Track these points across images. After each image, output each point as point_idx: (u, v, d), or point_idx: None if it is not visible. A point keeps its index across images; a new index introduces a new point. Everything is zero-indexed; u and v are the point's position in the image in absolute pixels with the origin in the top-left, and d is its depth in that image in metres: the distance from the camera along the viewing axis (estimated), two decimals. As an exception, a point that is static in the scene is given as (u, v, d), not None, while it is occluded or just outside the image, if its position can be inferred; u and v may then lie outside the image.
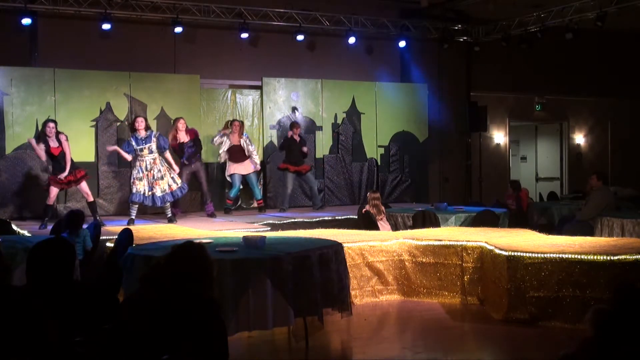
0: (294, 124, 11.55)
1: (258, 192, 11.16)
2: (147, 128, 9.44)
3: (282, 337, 5.57)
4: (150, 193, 9.26)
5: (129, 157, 9.39)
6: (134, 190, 9.25)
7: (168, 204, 9.44)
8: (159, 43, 11.95)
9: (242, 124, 11.12)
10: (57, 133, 9.00)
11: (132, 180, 9.37)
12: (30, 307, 2.89)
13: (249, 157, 10.85)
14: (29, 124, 10.61)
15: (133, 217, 9.35)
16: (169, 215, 9.47)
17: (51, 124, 8.99)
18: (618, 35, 15.13)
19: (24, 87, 10.67)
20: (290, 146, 11.33)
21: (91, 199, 9.35)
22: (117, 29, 11.37)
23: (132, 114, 11.20)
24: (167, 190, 9.32)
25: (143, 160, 9.28)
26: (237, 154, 10.85)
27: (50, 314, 2.93)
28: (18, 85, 10.64)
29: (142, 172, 9.27)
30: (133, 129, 9.48)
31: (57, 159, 9.03)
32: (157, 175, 9.28)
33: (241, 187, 11.08)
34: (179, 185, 9.47)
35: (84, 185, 9.22)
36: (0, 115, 10.48)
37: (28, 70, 10.88)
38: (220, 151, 10.94)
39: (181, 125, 10.28)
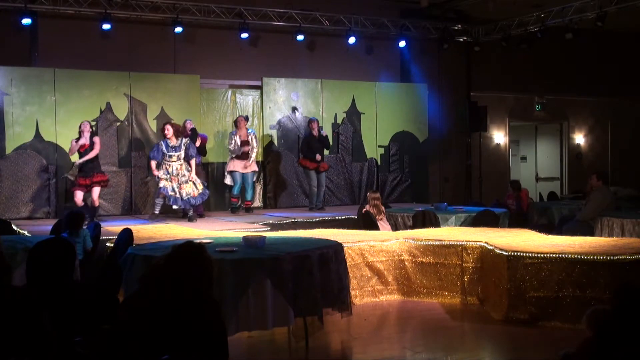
0: (311, 120, 11.54)
1: (250, 193, 11.18)
2: (178, 136, 9.65)
3: (282, 337, 5.56)
4: (177, 194, 9.48)
5: (153, 165, 9.62)
6: (162, 185, 9.47)
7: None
8: (159, 43, 11.95)
9: (246, 118, 11.26)
10: (91, 132, 9.58)
11: (158, 178, 9.55)
12: (30, 307, 2.89)
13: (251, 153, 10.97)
14: (29, 124, 10.62)
15: (157, 212, 9.62)
16: (190, 214, 9.69)
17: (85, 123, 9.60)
18: (618, 35, 15.13)
19: (24, 87, 10.67)
20: (310, 143, 11.35)
21: (97, 204, 9.60)
22: (117, 29, 11.38)
23: (132, 114, 11.23)
24: (191, 194, 9.59)
25: (170, 165, 9.53)
26: (244, 149, 10.88)
27: (50, 314, 2.93)
28: (18, 85, 10.64)
29: (168, 174, 9.53)
30: (163, 135, 9.71)
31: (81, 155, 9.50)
32: (181, 179, 9.56)
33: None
34: (200, 191, 9.70)
35: (95, 191, 9.47)
36: (0, 115, 10.49)
37: (28, 70, 10.88)
38: (231, 147, 10.92)
39: (189, 124, 10.55)
